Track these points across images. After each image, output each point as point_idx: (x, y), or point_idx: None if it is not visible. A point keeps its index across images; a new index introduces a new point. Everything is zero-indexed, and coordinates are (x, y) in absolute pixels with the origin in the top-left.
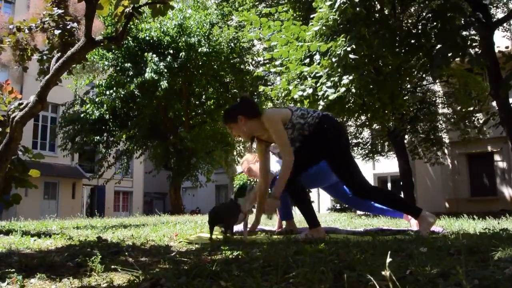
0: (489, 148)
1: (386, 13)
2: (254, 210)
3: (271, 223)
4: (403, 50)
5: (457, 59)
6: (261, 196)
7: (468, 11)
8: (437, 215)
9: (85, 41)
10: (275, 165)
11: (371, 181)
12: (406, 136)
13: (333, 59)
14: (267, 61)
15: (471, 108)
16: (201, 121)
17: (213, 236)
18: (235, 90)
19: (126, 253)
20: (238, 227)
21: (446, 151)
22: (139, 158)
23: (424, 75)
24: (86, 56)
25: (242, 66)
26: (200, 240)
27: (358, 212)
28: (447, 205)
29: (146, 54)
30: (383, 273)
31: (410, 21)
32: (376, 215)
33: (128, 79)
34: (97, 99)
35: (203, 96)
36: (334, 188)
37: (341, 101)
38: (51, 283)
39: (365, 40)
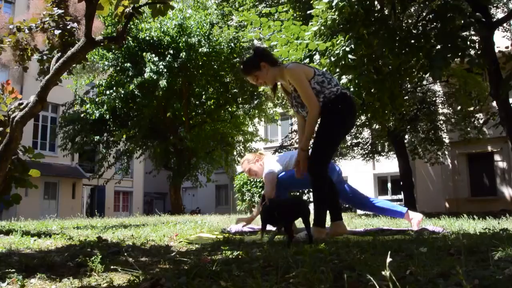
0: (489, 148)
1: (386, 13)
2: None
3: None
4: (403, 51)
5: (457, 59)
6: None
7: (468, 12)
8: (437, 215)
9: (85, 41)
10: (275, 164)
11: (371, 181)
12: (406, 136)
13: (332, 59)
14: None
15: (471, 108)
16: (201, 121)
17: (213, 236)
18: (235, 90)
19: (126, 253)
20: (238, 227)
21: (446, 151)
22: (139, 158)
23: (424, 75)
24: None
25: None
26: (200, 240)
27: (358, 212)
28: (447, 205)
29: (144, 54)
30: (383, 273)
31: (410, 21)
32: (376, 215)
33: (128, 79)
34: (97, 99)
35: (203, 96)
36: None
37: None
38: (51, 283)
39: (364, 40)
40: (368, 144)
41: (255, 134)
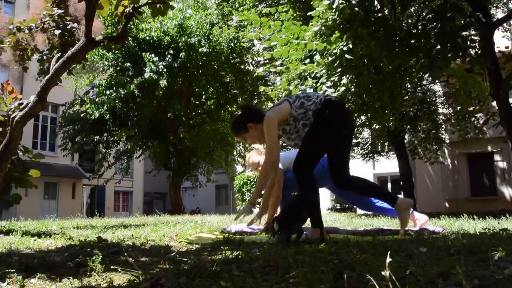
0: (489, 148)
1: (386, 13)
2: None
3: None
4: (402, 51)
5: (458, 59)
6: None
7: (468, 12)
8: (437, 215)
9: (85, 41)
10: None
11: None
12: (406, 136)
13: (330, 58)
14: (267, 61)
15: (471, 108)
16: (201, 121)
17: (213, 236)
18: (235, 90)
19: (126, 253)
20: (238, 227)
21: (446, 151)
22: (139, 158)
23: (424, 75)
24: (86, 56)
25: (242, 66)
26: (200, 240)
27: (358, 212)
28: (447, 205)
29: (144, 54)
30: (383, 273)
31: (410, 21)
32: (376, 215)
33: (128, 79)
34: (97, 99)
35: (203, 96)
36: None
37: (341, 100)
38: (51, 283)
39: (362, 40)
40: (368, 144)
41: None
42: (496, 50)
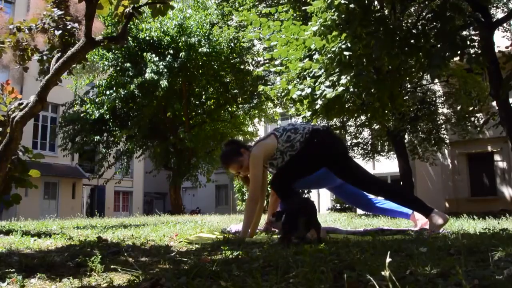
0: (489, 148)
1: (386, 13)
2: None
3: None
4: (402, 51)
5: (457, 58)
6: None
7: (467, 12)
8: None
9: (85, 41)
10: None
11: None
12: (406, 136)
13: (328, 56)
14: (267, 61)
15: (471, 108)
16: (201, 121)
17: (213, 236)
18: (235, 90)
19: (126, 253)
20: (238, 227)
21: (446, 151)
22: (139, 158)
23: (424, 75)
24: (86, 56)
25: (242, 66)
26: (200, 240)
27: (358, 212)
28: (447, 205)
29: (145, 54)
30: (383, 273)
31: (410, 21)
32: (376, 215)
33: (128, 79)
34: (97, 99)
35: (203, 96)
36: (340, 189)
37: (340, 100)
38: (51, 283)
39: (361, 39)
40: (368, 144)
41: (255, 134)
42: (496, 50)
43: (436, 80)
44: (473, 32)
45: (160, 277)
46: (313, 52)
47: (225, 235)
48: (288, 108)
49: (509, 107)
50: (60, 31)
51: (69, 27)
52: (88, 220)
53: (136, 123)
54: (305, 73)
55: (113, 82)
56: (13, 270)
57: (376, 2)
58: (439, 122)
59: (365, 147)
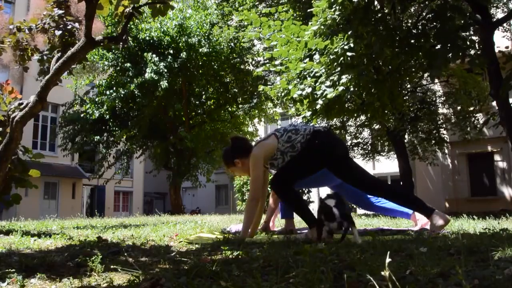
0: (489, 148)
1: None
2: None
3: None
4: (402, 51)
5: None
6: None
7: (467, 12)
8: None
9: (85, 41)
10: None
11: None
12: (406, 136)
13: (331, 57)
14: (267, 61)
15: (471, 108)
16: (201, 121)
17: (213, 236)
18: (235, 90)
19: (126, 253)
20: (238, 227)
21: (446, 151)
22: (139, 158)
23: (424, 75)
24: (86, 56)
25: (242, 66)
26: (200, 240)
27: (358, 212)
28: (447, 205)
29: (146, 54)
30: (383, 273)
31: (410, 21)
32: (377, 215)
33: (128, 79)
34: (97, 99)
35: (203, 96)
36: (341, 188)
37: (340, 100)
38: (51, 283)
39: (362, 39)
40: (368, 144)
41: (255, 134)
42: (496, 50)
43: (436, 80)
44: (473, 33)
45: (160, 277)
46: (313, 52)
47: (225, 235)
48: (288, 108)
49: (509, 107)
50: (60, 31)
51: (69, 27)
52: (88, 220)
53: (136, 123)
54: (305, 73)
55: (113, 82)
56: (13, 270)
57: (376, 2)
58: (439, 122)
59: (365, 147)
